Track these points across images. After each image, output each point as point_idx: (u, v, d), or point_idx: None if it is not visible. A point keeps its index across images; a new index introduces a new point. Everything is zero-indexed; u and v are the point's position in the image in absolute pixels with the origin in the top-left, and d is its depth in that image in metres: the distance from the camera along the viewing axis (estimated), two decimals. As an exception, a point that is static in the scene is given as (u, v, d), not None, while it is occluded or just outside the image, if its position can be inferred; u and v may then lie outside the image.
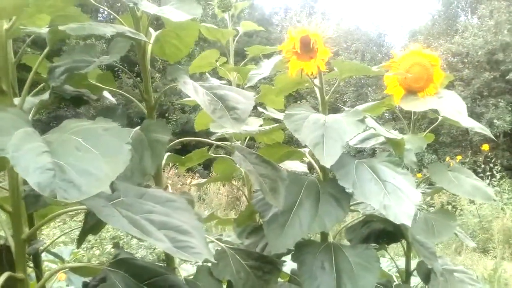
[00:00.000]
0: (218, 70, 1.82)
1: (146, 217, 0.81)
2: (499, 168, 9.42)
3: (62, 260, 1.54)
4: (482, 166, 9.18)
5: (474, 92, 14.37)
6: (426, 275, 1.53)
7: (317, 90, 1.29)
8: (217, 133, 1.42)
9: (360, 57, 17.74)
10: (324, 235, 1.30)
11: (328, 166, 1.06)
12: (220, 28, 1.74)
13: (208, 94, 1.00)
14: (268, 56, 1.48)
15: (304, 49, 1.14)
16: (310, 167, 1.69)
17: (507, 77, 13.48)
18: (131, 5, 0.96)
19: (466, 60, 15.04)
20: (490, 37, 13.78)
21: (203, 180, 1.81)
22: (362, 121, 1.16)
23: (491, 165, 9.23)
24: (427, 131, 1.64)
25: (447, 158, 10.94)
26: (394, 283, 1.57)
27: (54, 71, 0.96)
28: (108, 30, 0.84)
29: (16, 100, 0.92)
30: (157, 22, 1.20)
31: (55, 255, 1.42)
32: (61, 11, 1.04)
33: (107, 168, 0.68)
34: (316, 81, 1.27)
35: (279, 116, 1.45)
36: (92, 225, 1.09)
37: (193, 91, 0.99)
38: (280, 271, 1.22)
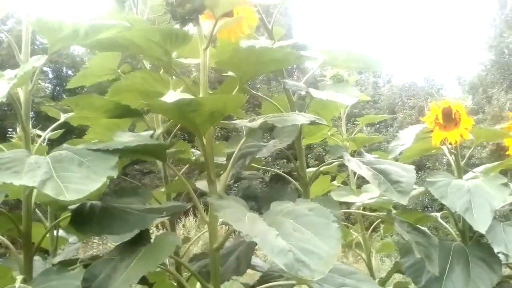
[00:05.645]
0: (328, 139, 1.90)
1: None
2: None
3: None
4: None
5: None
6: None
7: (450, 157, 1.34)
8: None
9: (417, 112, 17.51)
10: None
11: (482, 231, 1.10)
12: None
13: (370, 169, 1.08)
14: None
15: (446, 119, 1.21)
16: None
17: None
18: (303, 93, 1.07)
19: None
20: None
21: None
22: (505, 185, 1.20)
23: None
24: None
25: None
26: None
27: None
28: (303, 119, 0.94)
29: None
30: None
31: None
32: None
33: (326, 247, 0.75)
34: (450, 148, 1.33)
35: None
36: None
37: (357, 167, 1.06)
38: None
